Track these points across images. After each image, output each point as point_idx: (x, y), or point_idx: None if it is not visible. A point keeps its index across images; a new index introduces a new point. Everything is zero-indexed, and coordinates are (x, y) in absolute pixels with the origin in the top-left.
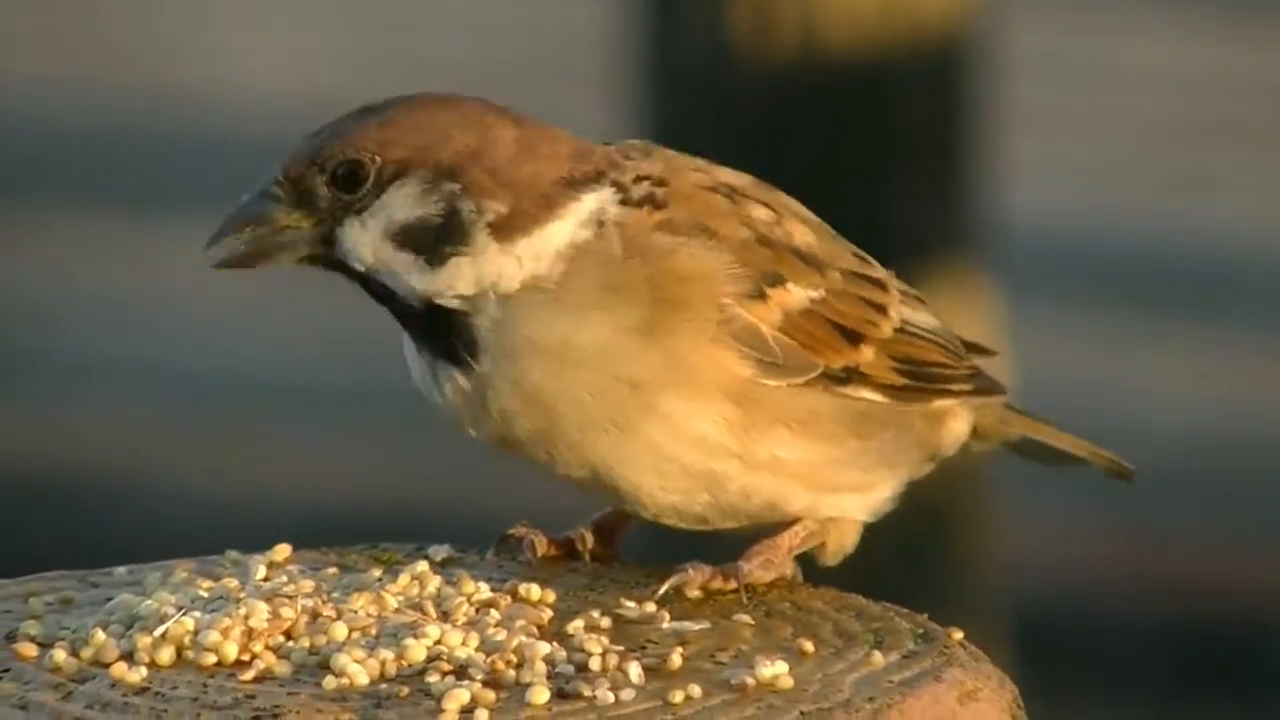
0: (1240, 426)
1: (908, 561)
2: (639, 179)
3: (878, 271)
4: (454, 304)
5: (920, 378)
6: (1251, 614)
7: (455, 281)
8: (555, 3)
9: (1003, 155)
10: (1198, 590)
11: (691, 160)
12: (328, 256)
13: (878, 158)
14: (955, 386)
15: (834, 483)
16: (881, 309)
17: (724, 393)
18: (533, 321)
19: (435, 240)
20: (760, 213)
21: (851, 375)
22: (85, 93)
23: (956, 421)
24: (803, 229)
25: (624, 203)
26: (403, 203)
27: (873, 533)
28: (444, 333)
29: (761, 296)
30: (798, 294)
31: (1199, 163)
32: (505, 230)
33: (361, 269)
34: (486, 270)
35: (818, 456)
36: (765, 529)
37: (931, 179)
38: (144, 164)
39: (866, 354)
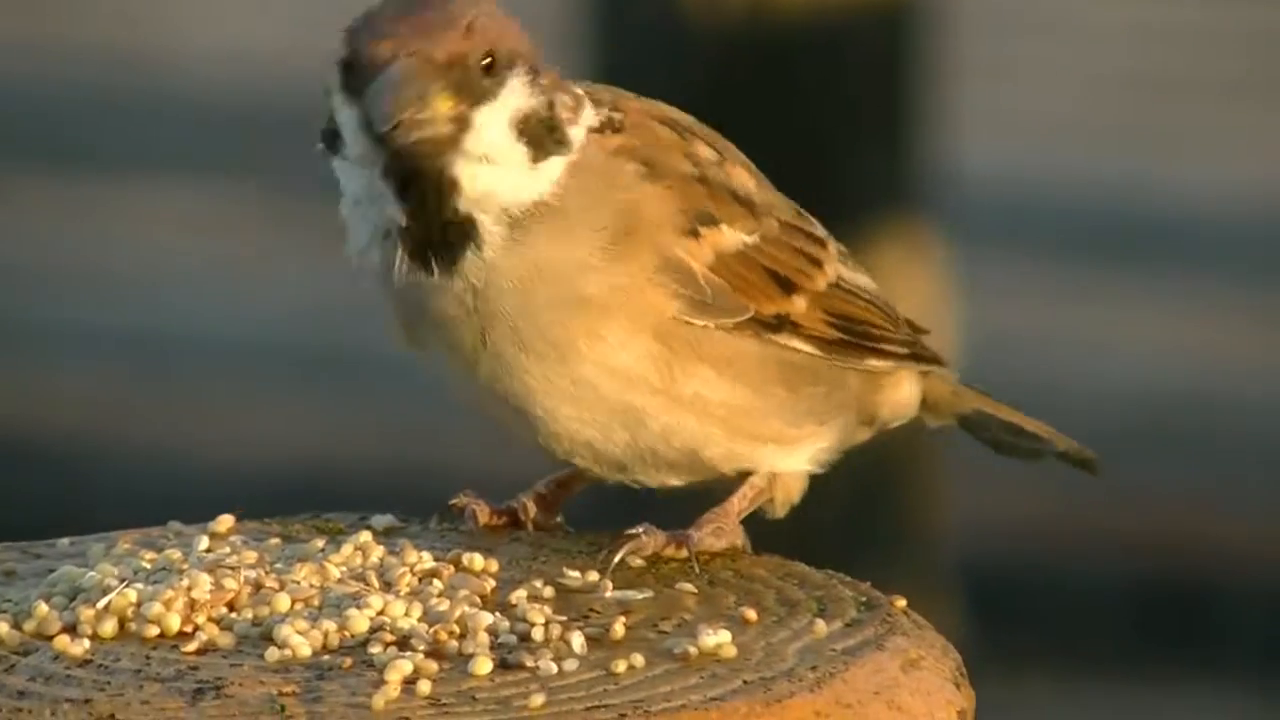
0: (1197, 383)
1: (857, 523)
2: (601, 103)
3: (818, 230)
4: (490, 224)
5: (854, 334)
6: (1208, 573)
7: (540, 182)
8: None
9: (952, 109)
10: (1155, 549)
11: (636, 96)
12: (439, 141)
13: (827, 113)
14: (890, 348)
15: (756, 431)
16: (816, 262)
17: (653, 327)
18: (530, 244)
19: (544, 134)
20: (705, 151)
21: (783, 323)
22: (46, 58)
23: (898, 389)
24: (743, 174)
25: (595, 117)
26: (524, 92)
27: (821, 493)
28: (443, 242)
29: (694, 234)
30: (730, 235)
31: (1151, 116)
32: (574, 128)
33: (479, 154)
34: (549, 169)
35: (741, 400)
36: (700, 486)
37: (882, 136)
38: (109, 128)
39: (799, 304)
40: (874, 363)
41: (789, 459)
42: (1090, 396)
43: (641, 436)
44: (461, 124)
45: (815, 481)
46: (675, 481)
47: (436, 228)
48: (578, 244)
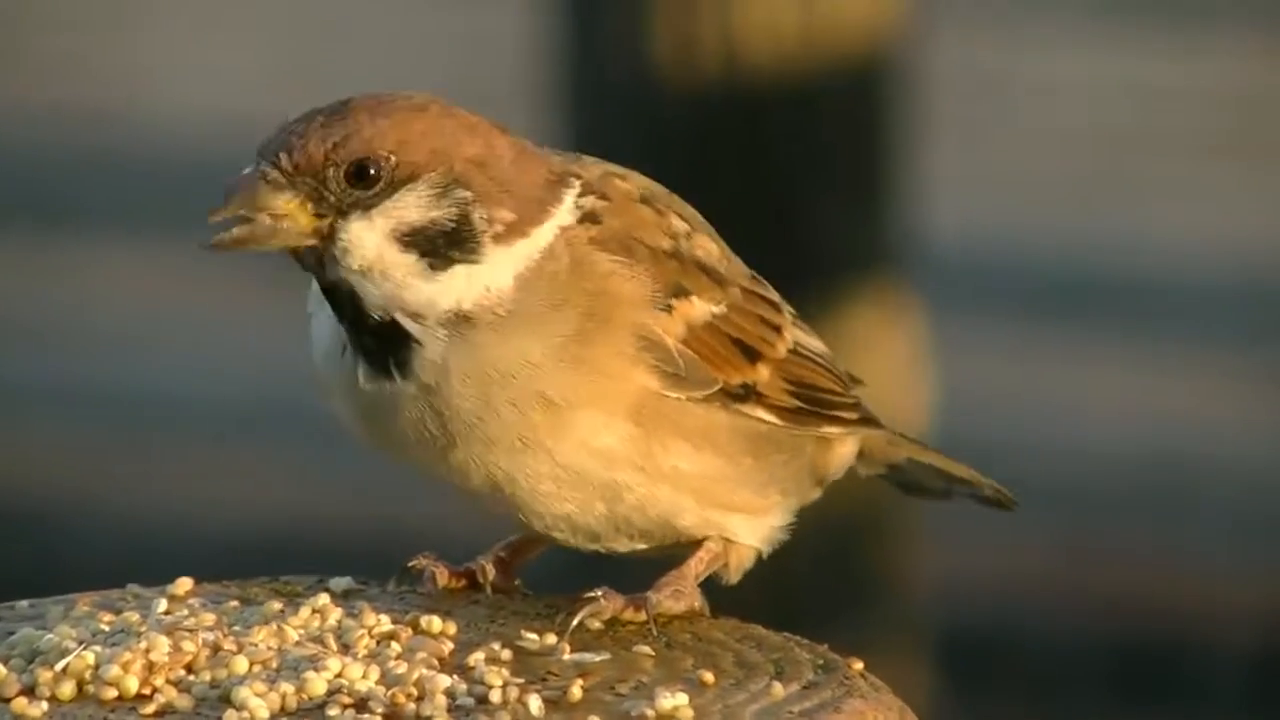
0: (1169, 442)
1: (830, 583)
2: (590, 189)
3: (771, 293)
4: (415, 326)
5: (812, 401)
6: (1181, 631)
7: (448, 291)
8: (478, 18)
9: (925, 171)
10: (1127, 607)
11: (611, 167)
12: (315, 251)
13: (800, 174)
14: (843, 414)
15: (728, 500)
16: (777, 329)
17: (631, 406)
18: (480, 343)
19: (444, 245)
20: (678, 224)
21: (749, 393)
22: (22, 117)
23: (844, 446)
24: (709, 243)
25: (579, 207)
26: (415, 204)
27: (795, 548)
28: (387, 345)
29: (667, 309)
30: (700, 307)
31: (1122, 174)
32: (507, 238)
33: (356, 267)
34: (476, 280)
35: (715, 471)
36: (652, 555)
37: (854, 195)
38: (85, 186)
39: (763, 373)
40: (829, 429)
41: (756, 528)
42: (1062, 456)
43: (618, 509)
44: (327, 237)
45: (788, 541)
46: (644, 548)
47: (369, 335)
48: (536, 343)
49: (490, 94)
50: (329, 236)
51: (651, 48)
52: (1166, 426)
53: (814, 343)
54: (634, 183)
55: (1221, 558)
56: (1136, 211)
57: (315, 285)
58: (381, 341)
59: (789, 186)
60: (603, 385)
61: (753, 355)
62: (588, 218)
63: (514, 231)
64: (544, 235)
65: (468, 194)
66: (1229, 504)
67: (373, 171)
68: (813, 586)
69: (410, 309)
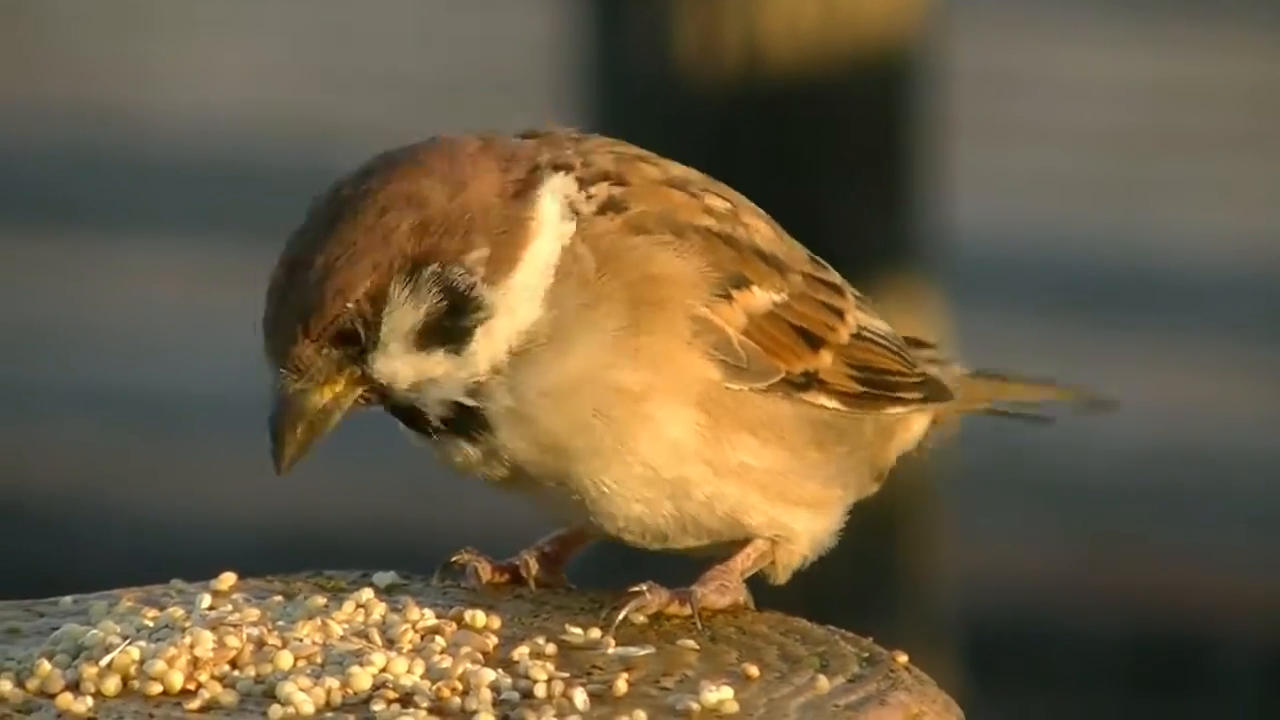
0: (1189, 437)
1: (861, 575)
2: (596, 177)
3: (834, 276)
4: (472, 400)
5: (876, 385)
6: (1202, 625)
7: (484, 355)
8: (501, 17)
9: (947, 167)
10: (1148, 601)
11: (631, 147)
12: (373, 394)
13: (823, 172)
14: (908, 395)
15: (794, 495)
16: (840, 313)
17: (696, 396)
18: (538, 375)
19: (453, 322)
20: (718, 203)
21: (811, 381)
22: (35, 117)
23: (908, 431)
24: (762, 226)
25: (588, 197)
26: (405, 315)
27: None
28: (462, 421)
29: (727, 298)
30: (761, 296)
31: (1142, 172)
32: (496, 272)
33: (406, 389)
34: (500, 327)
35: (780, 465)
36: (712, 552)
37: (876, 192)
38: (99, 185)
39: (825, 359)
40: (893, 410)
41: (816, 525)
42: (1084, 452)
43: (686, 507)
44: (365, 379)
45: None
46: (705, 544)
47: (443, 422)
48: (590, 345)
49: (513, 91)
50: (367, 379)
51: (674, 46)
52: (1187, 422)
53: (878, 324)
54: (663, 167)
55: (1242, 552)
56: (1158, 207)
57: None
58: (455, 420)
59: (811, 184)
60: (665, 370)
61: (815, 342)
62: (608, 207)
63: (501, 263)
64: (543, 246)
65: (433, 266)
66: (1250, 499)
67: (351, 326)
68: (840, 581)
69: (462, 391)
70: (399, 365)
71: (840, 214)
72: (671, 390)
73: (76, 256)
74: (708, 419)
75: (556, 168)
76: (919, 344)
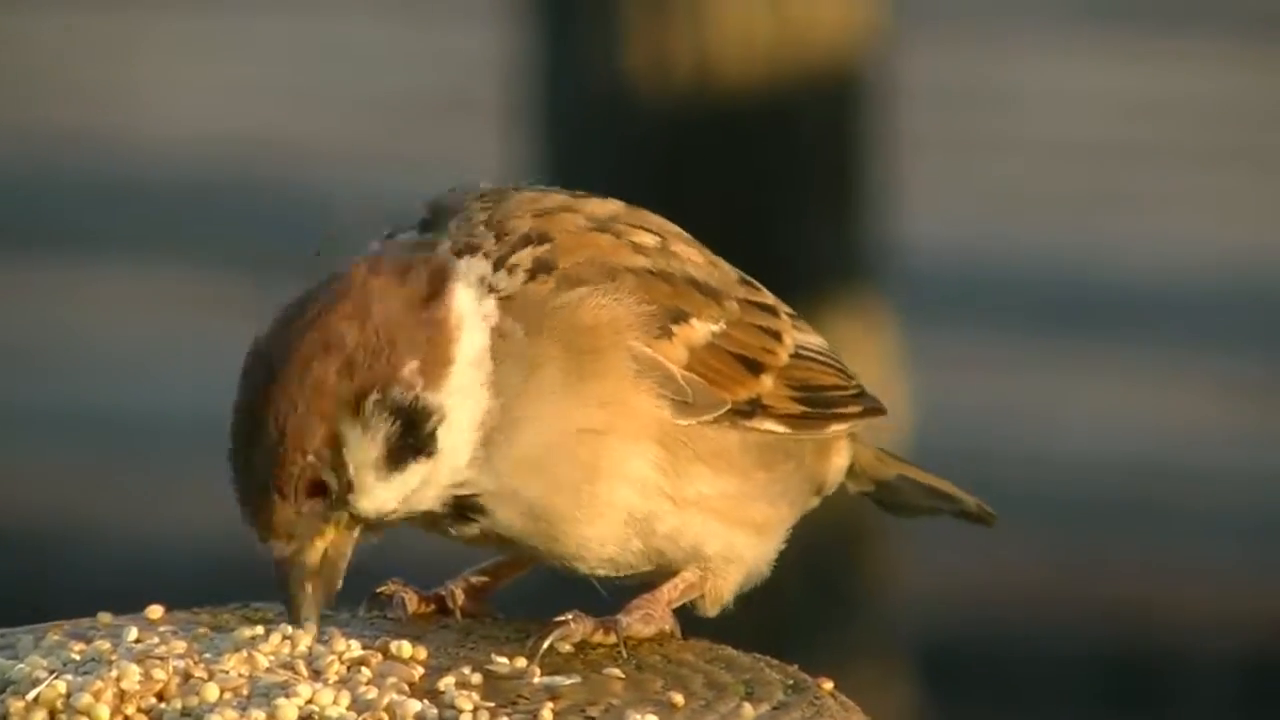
0: (1151, 451)
1: (814, 591)
2: (517, 244)
3: (767, 296)
4: (462, 490)
5: (816, 403)
6: (1168, 640)
7: (453, 449)
8: (451, 35)
9: (901, 182)
10: (1114, 617)
11: (552, 196)
12: (366, 534)
13: (775, 188)
14: (848, 410)
15: (744, 516)
16: (777, 335)
17: (650, 433)
18: (505, 453)
19: (413, 435)
20: (647, 239)
21: (755, 408)
22: (17, 141)
23: (840, 455)
24: (693, 253)
25: (510, 270)
26: (365, 448)
27: (778, 563)
28: (459, 509)
29: (667, 335)
30: (700, 329)
31: (1109, 185)
32: (433, 376)
33: (398, 515)
34: (457, 421)
35: (733, 489)
36: (638, 579)
37: (829, 208)
38: (78, 209)
39: (767, 384)
40: (835, 427)
41: (762, 546)
42: (1047, 466)
43: (652, 542)
44: (355, 522)
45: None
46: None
47: (443, 517)
48: (543, 408)
49: (466, 109)
50: (357, 520)
51: (625, 61)
52: (1152, 436)
53: (812, 339)
54: (586, 211)
55: (1213, 567)
56: (1118, 221)
57: None
58: (454, 509)
59: (764, 198)
60: (617, 409)
61: (756, 368)
62: (539, 269)
63: (434, 366)
64: (470, 337)
65: (373, 396)
66: (1221, 513)
67: (316, 477)
68: (797, 601)
69: (450, 485)
70: (380, 493)
71: (793, 230)
72: (628, 429)
73: (55, 279)
74: (666, 454)
75: (460, 254)
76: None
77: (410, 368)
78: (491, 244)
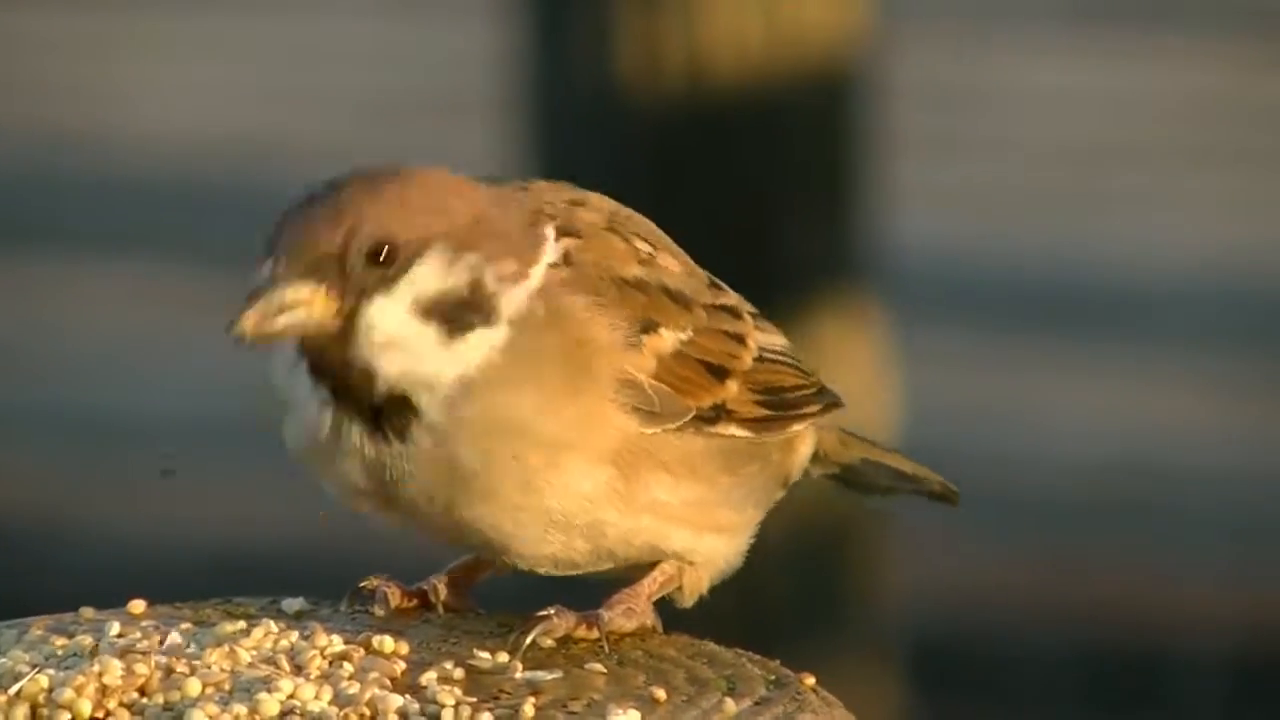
0: (1140, 451)
1: (802, 590)
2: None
3: (731, 298)
4: (423, 395)
5: (779, 406)
6: (1157, 641)
7: (460, 358)
8: (446, 35)
9: (892, 183)
10: (1102, 617)
11: (565, 191)
12: (334, 333)
13: (766, 189)
14: (808, 409)
15: (711, 522)
16: (741, 339)
17: (611, 451)
18: (478, 403)
19: (462, 312)
20: (643, 246)
21: (720, 413)
22: None
23: (804, 445)
24: (673, 263)
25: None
26: (431, 276)
27: (767, 561)
28: (386, 414)
29: (637, 346)
30: (669, 337)
31: (1091, 184)
32: (511, 291)
33: (379, 343)
34: (485, 342)
35: (696, 496)
36: (625, 574)
37: (821, 208)
38: (57, 206)
39: (732, 389)
40: (796, 428)
41: (731, 545)
42: (1035, 466)
43: (602, 544)
44: (350, 318)
45: (760, 553)
46: (621, 568)
47: (367, 406)
48: (531, 394)
49: (456, 108)
50: (351, 316)
51: (615, 61)
52: (1139, 436)
53: (774, 339)
54: (596, 208)
55: (1197, 568)
56: (1106, 221)
57: (289, 366)
58: (379, 411)
59: (755, 199)
60: (588, 432)
61: (721, 374)
62: (563, 260)
63: (517, 281)
64: (534, 280)
65: (475, 257)
66: (1204, 514)
67: (389, 251)
68: (785, 599)
69: (423, 380)
70: (391, 320)
71: (785, 230)
72: (590, 448)
73: (45, 278)
74: (619, 469)
75: (547, 216)
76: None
77: (508, 269)
78: (552, 217)
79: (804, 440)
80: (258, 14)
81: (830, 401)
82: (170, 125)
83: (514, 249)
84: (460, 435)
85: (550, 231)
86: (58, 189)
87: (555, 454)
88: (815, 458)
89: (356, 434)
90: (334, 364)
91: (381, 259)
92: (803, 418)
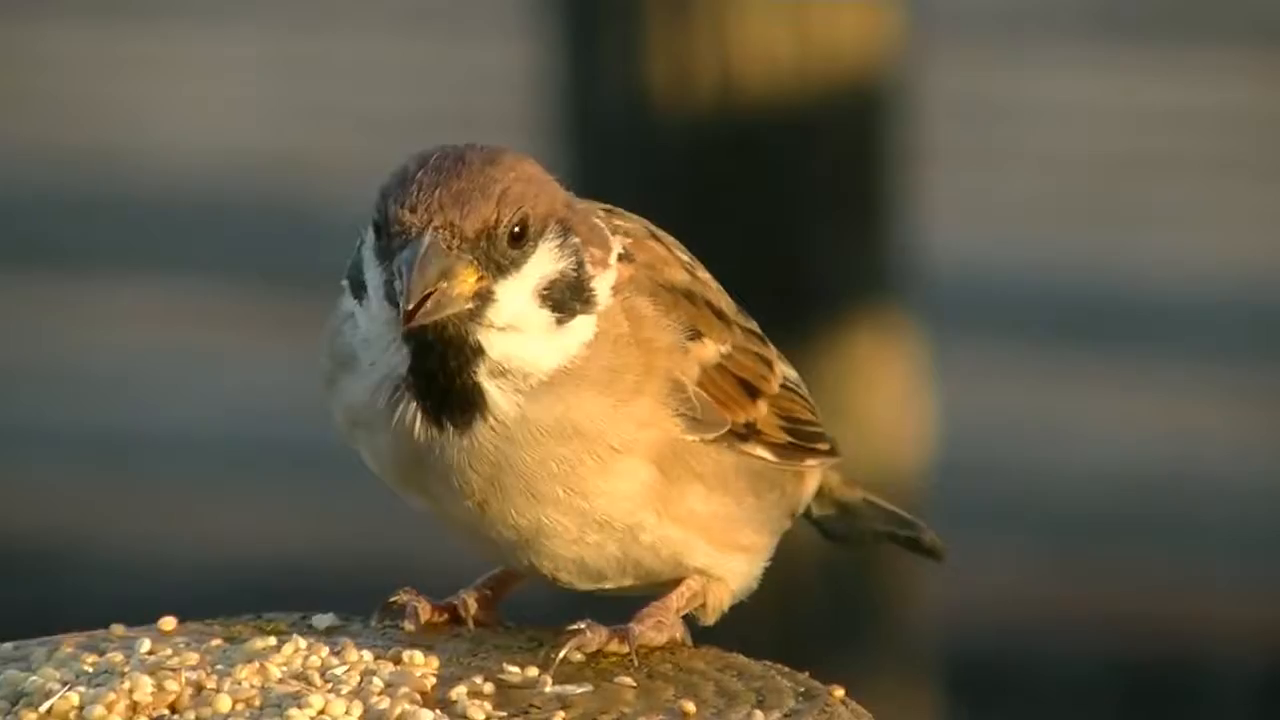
0: (1171, 463)
1: (835, 603)
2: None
3: (756, 327)
4: (502, 382)
5: (799, 435)
6: (1187, 651)
7: (563, 347)
8: (474, 50)
9: (924, 196)
10: (1132, 628)
11: (597, 202)
12: (465, 311)
13: (798, 202)
14: (820, 445)
15: (733, 540)
16: (769, 364)
17: (658, 453)
18: (550, 400)
19: (569, 296)
20: (684, 256)
21: (750, 432)
22: (12, 157)
23: (813, 481)
24: (709, 278)
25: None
26: (550, 258)
27: (800, 575)
28: (454, 399)
29: (685, 350)
30: (711, 348)
31: (1121, 197)
32: (602, 279)
33: (501, 325)
34: (585, 328)
35: (724, 511)
36: (643, 592)
37: (852, 222)
38: (74, 225)
39: (761, 409)
40: (810, 462)
41: (752, 566)
42: (1064, 478)
43: (632, 550)
44: (484, 298)
45: (792, 568)
46: (639, 585)
47: (452, 391)
48: (603, 395)
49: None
50: (485, 296)
51: (647, 77)
52: (1169, 447)
53: (790, 372)
54: (630, 218)
55: (1226, 578)
56: (1136, 234)
57: (371, 334)
58: (455, 400)
59: (786, 214)
60: (643, 434)
61: (754, 393)
62: (624, 256)
63: (604, 269)
64: (612, 271)
65: (577, 239)
66: (1233, 524)
67: (526, 230)
68: (818, 612)
69: (521, 369)
70: (517, 301)
71: (816, 244)
72: (642, 449)
73: (53, 298)
74: (662, 473)
75: (604, 212)
76: None
77: (595, 248)
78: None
79: (813, 476)
80: (285, 31)
81: (834, 446)
82: (193, 143)
83: (596, 237)
84: (522, 434)
85: (610, 228)
86: (79, 208)
87: (611, 455)
88: (818, 494)
89: (413, 413)
90: (445, 341)
91: (521, 239)
92: (816, 453)
